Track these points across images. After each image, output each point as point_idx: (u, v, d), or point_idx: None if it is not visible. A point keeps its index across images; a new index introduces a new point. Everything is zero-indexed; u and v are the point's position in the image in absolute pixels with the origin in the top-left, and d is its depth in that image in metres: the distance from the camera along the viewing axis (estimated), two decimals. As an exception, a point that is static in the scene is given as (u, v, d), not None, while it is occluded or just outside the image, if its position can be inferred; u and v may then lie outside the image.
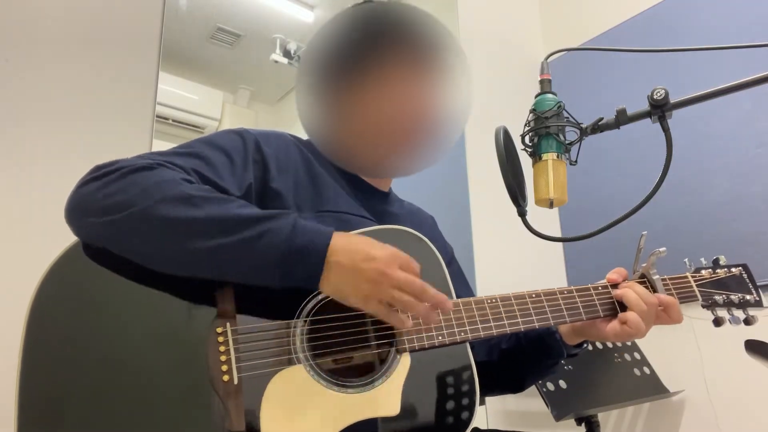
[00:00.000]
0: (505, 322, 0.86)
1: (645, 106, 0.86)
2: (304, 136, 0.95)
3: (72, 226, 0.74)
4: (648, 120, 0.87)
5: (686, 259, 1.07)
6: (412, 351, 0.81)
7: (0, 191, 1.34)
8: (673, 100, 0.85)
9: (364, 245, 0.74)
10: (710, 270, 1.06)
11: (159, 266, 0.73)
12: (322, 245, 0.73)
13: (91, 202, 0.73)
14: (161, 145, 1.60)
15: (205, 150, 0.84)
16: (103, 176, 0.74)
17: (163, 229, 0.71)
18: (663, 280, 1.00)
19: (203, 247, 0.70)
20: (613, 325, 0.93)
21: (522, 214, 0.91)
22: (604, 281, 0.98)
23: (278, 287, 0.73)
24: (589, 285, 0.96)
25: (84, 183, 0.75)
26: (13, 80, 1.42)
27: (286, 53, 1.96)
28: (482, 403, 0.98)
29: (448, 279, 0.89)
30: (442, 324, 0.83)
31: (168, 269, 0.73)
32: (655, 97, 0.84)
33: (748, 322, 1.01)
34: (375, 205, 1.01)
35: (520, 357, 1.02)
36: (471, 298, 0.87)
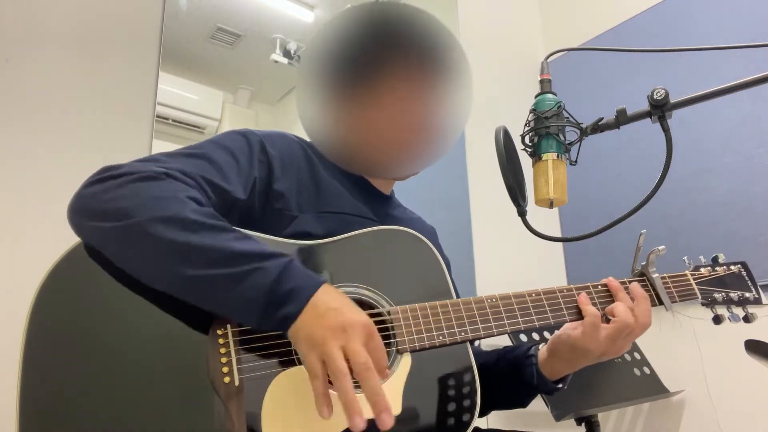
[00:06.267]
0: (505, 321, 0.86)
1: (645, 106, 0.86)
2: (307, 137, 0.95)
3: (72, 225, 0.74)
4: (648, 120, 0.87)
5: (685, 257, 1.06)
6: (412, 351, 0.81)
7: (0, 191, 1.34)
8: (673, 100, 0.85)
9: (345, 303, 0.70)
10: (709, 268, 1.06)
11: (144, 279, 0.72)
12: (307, 293, 0.69)
13: (92, 205, 0.73)
14: (161, 145, 1.60)
15: (211, 151, 0.84)
16: (108, 179, 0.74)
17: (154, 247, 0.69)
18: (662, 278, 1.00)
19: (189, 274, 0.69)
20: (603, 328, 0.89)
21: (522, 214, 0.91)
22: (603, 282, 0.98)
23: (254, 327, 0.71)
24: (589, 284, 0.96)
25: (89, 184, 0.75)
26: (13, 80, 1.42)
27: (286, 53, 1.96)
28: (483, 414, 0.96)
29: (448, 280, 0.89)
30: (443, 324, 0.83)
31: (151, 284, 0.72)
32: (655, 97, 0.84)
33: (747, 319, 1.01)
34: (378, 207, 1.00)
35: (493, 373, 0.99)
36: (471, 298, 0.87)
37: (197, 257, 0.69)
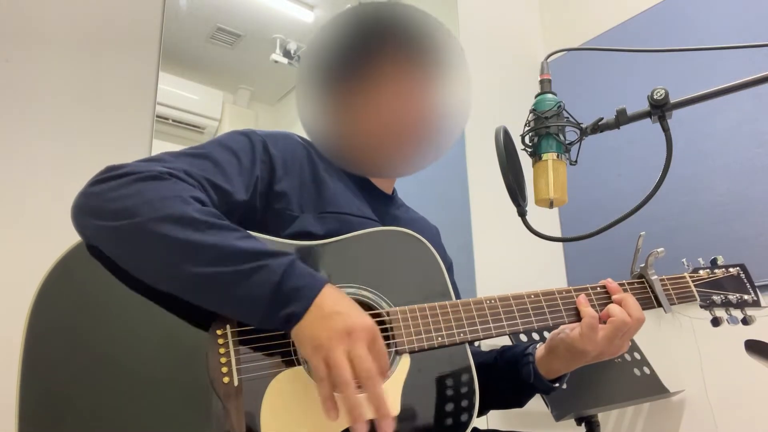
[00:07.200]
0: (504, 323, 0.86)
1: (645, 106, 0.86)
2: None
3: (76, 224, 0.74)
4: (648, 120, 0.87)
5: (684, 259, 1.07)
6: (411, 352, 0.81)
7: (0, 191, 1.34)
8: (673, 100, 0.85)
9: (349, 305, 0.71)
10: (708, 270, 1.06)
11: (146, 279, 0.72)
12: (312, 293, 0.70)
13: (96, 204, 0.73)
14: (161, 145, 1.60)
15: (214, 152, 0.85)
16: (112, 178, 0.74)
17: (159, 246, 0.70)
18: (661, 280, 1.00)
19: (194, 273, 0.69)
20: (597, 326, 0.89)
21: (522, 214, 0.91)
22: (602, 283, 0.98)
23: (256, 326, 0.72)
24: (588, 285, 0.96)
25: (93, 183, 0.75)
26: (13, 80, 1.42)
27: (286, 53, 1.96)
28: (481, 414, 0.95)
29: (447, 282, 0.88)
30: (442, 325, 0.83)
31: (154, 284, 0.72)
32: (655, 97, 0.84)
33: (746, 322, 1.01)
34: (380, 207, 1.01)
35: (490, 373, 0.99)
36: (470, 299, 0.86)
37: (202, 255, 0.69)
